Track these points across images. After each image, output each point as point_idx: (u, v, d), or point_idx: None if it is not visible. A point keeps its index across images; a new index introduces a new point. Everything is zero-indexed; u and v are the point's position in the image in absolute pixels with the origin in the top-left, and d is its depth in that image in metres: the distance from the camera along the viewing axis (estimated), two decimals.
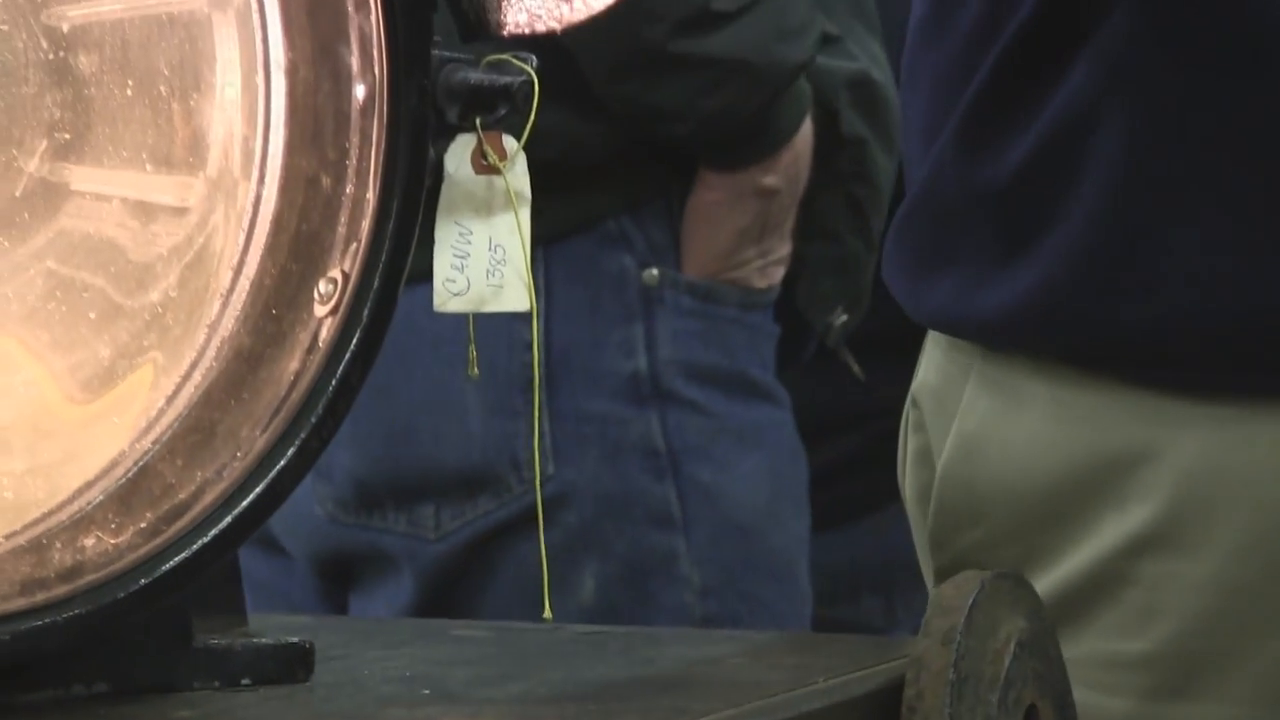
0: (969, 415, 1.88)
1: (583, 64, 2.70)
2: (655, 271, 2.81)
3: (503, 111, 1.34)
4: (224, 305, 1.31)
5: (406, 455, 2.82)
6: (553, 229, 2.72)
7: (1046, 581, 1.81)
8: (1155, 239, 1.83)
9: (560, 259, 2.82)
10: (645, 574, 2.88)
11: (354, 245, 1.31)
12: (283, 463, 1.30)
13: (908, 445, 1.93)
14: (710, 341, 3.02)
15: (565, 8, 1.35)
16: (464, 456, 2.82)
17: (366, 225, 1.31)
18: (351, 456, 2.80)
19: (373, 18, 1.31)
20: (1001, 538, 1.85)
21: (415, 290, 2.80)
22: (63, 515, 1.27)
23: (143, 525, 1.27)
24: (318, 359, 1.30)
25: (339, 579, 2.92)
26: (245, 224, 1.32)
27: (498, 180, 1.37)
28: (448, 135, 1.36)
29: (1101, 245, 1.85)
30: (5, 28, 1.29)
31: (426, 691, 1.33)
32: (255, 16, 1.32)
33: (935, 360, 1.91)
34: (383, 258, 1.32)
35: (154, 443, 1.29)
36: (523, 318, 1.49)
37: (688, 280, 2.83)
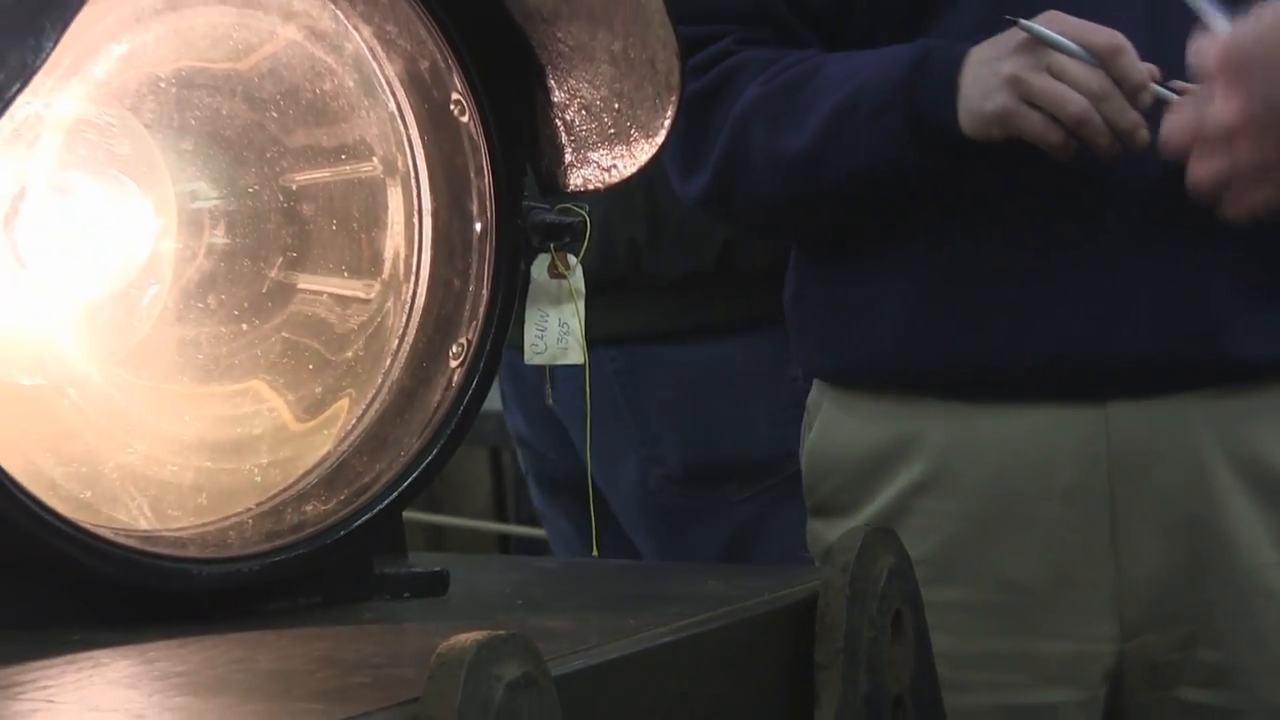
0: (825, 416, 2.29)
1: None
2: None
3: (567, 240, 1.57)
4: (393, 360, 1.56)
5: (720, 449, 2.92)
6: None
7: (866, 513, 2.18)
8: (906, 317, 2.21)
9: None
10: None
11: (474, 323, 1.55)
12: (429, 459, 1.54)
13: (805, 435, 2.34)
14: None
15: (606, 175, 1.56)
16: (756, 450, 2.92)
17: (482, 311, 1.55)
18: (681, 450, 2.90)
19: (486, 180, 1.55)
20: (842, 487, 2.23)
21: (725, 343, 3.08)
22: (292, 491, 1.53)
23: (342, 497, 1.52)
24: (451, 394, 1.55)
25: (658, 532, 2.99)
26: (406, 310, 1.57)
27: (564, 283, 1.63)
28: (533, 254, 1.60)
29: (886, 329, 2.23)
30: (257, 187, 1.56)
31: (519, 601, 1.58)
32: (412, 180, 1.58)
33: (813, 386, 2.33)
34: (491, 332, 1.56)
35: (349, 446, 1.55)
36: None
37: None
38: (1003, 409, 2.17)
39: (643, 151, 1.55)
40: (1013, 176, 2.17)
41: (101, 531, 1.40)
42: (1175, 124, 1.91)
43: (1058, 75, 2.04)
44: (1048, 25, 2.04)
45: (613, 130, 1.56)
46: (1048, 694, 2.15)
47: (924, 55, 2.13)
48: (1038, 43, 2.05)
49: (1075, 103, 2.03)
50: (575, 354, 1.72)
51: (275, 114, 1.58)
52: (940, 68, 2.10)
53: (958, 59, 2.09)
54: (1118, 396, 2.15)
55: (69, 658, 1.29)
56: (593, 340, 2.31)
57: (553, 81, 1.57)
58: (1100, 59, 2.05)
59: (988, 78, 2.05)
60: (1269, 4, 1.87)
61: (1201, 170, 1.88)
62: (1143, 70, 2.06)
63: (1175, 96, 2.07)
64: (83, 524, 1.39)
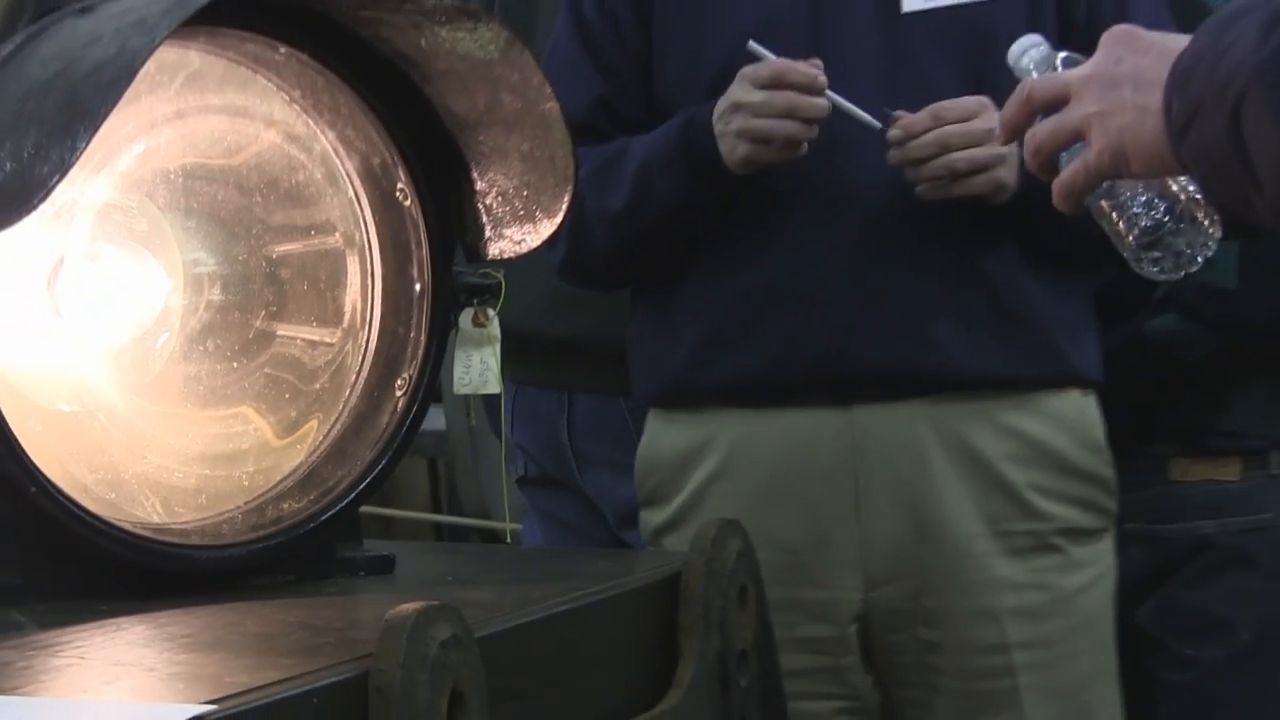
0: (649, 428, 2.53)
1: None
2: None
3: (486, 297, 1.73)
4: (351, 390, 1.69)
5: None
6: None
7: (677, 501, 2.46)
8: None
9: None
10: None
11: (414, 362, 1.68)
12: (380, 467, 1.66)
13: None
14: None
15: (518, 247, 1.70)
16: None
17: (421, 353, 1.68)
18: None
19: (424, 251, 1.68)
20: (660, 482, 2.48)
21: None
22: (272, 493, 1.64)
23: (311, 497, 1.64)
24: (397, 417, 1.68)
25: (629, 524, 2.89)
26: (361, 352, 1.70)
27: (484, 331, 1.77)
28: (460, 308, 1.74)
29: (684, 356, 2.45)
30: (245, 256, 1.68)
31: (450, 578, 1.71)
32: (367, 251, 1.70)
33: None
34: (429, 368, 1.69)
35: (317, 458, 1.67)
36: None
37: None
38: (774, 413, 2.39)
39: (545, 229, 1.68)
40: (773, 230, 2.39)
41: (123, 525, 1.51)
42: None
43: (761, 112, 2.24)
44: (746, 82, 2.26)
45: (522, 212, 1.69)
46: (813, 630, 2.35)
47: (690, 119, 2.34)
48: (737, 103, 2.26)
49: (782, 128, 2.24)
50: (493, 385, 1.84)
51: (259, 199, 1.69)
52: (702, 126, 2.31)
53: (709, 117, 2.31)
54: (860, 402, 2.36)
55: (97, 624, 1.39)
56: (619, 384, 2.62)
57: (476, 174, 1.69)
58: (777, 79, 2.26)
59: (723, 132, 2.28)
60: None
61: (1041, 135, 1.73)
62: (811, 71, 2.26)
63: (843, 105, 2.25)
64: (109, 519, 1.50)
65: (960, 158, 2.27)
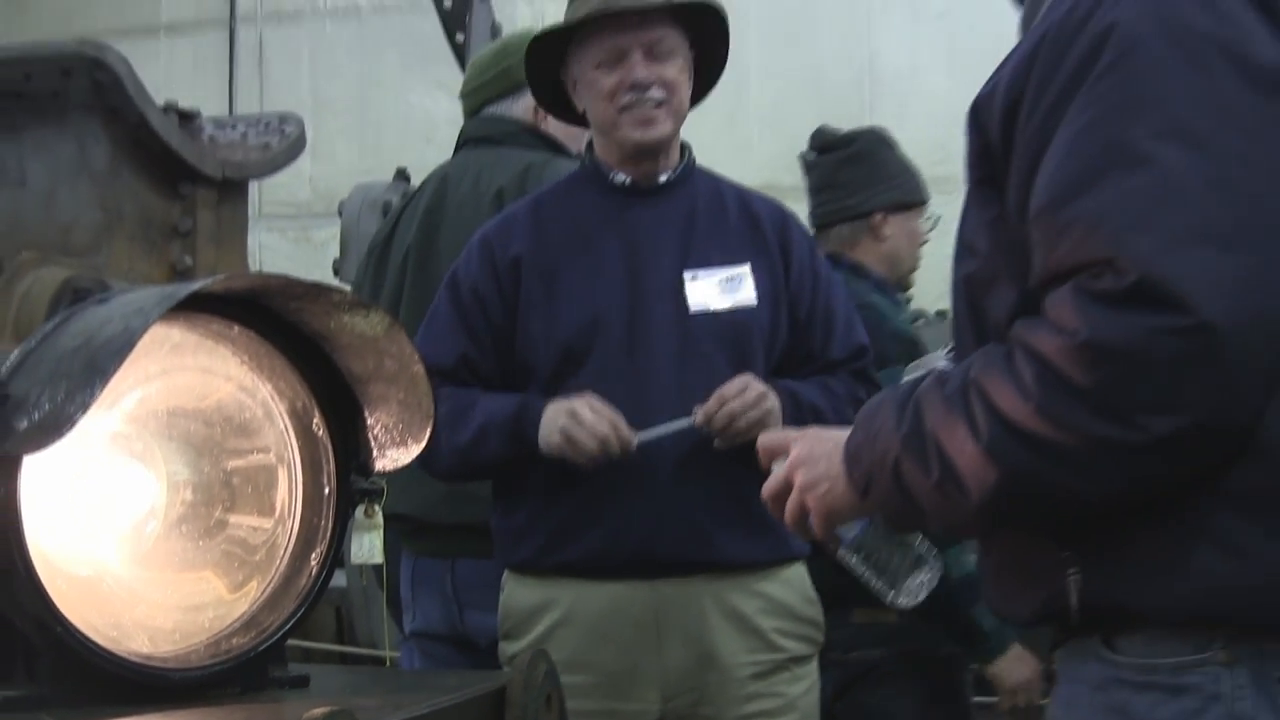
0: (507, 587, 2.73)
1: None
2: None
3: (374, 497, 1.81)
4: (281, 560, 1.78)
5: None
6: None
7: (528, 639, 2.71)
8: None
9: None
10: None
11: (325, 541, 1.79)
12: (300, 613, 1.77)
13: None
14: None
15: (394, 464, 1.80)
16: None
17: (329, 535, 1.79)
18: None
19: (331, 465, 1.79)
20: (515, 625, 2.79)
21: None
22: (226, 632, 1.74)
23: (253, 635, 1.74)
24: (312, 579, 1.78)
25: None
26: (288, 534, 1.79)
27: (372, 520, 1.85)
28: (356, 505, 1.82)
29: (535, 540, 2.73)
30: (209, 469, 1.77)
31: (349, 691, 1.81)
32: (293, 466, 1.79)
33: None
34: (335, 543, 1.80)
35: (257, 608, 1.76)
36: None
37: None
38: (601, 584, 2.65)
39: (415, 450, 1.80)
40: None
41: (122, 654, 1.61)
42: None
43: (584, 429, 2.48)
44: (587, 406, 2.46)
45: (398, 440, 1.80)
46: None
47: (525, 405, 2.59)
48: (574, 413, 2.44)
49: (590, 449, 2.56)
50: (378, 558, 1.94)
51: (219, 429, 1.78)
52: (532, 415, 2.56)
53: (539, 410, 2.56)
54: (662, 577, 2.63)
55: None
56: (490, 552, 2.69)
57: (367, 414, 1.79)
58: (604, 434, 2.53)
59: (550, 425, 2.52)
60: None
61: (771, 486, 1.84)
62: (627, 440, 2.55)
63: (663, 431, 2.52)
64: (112, 650, 1.60)
65: (742, 422, 2.56)
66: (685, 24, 2.73)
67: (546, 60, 2.78)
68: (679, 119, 2.74)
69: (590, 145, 2.85)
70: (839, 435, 1.73)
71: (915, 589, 1.83)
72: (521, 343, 2.69)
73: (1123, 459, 1.46)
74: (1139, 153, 1.47)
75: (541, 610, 2.72)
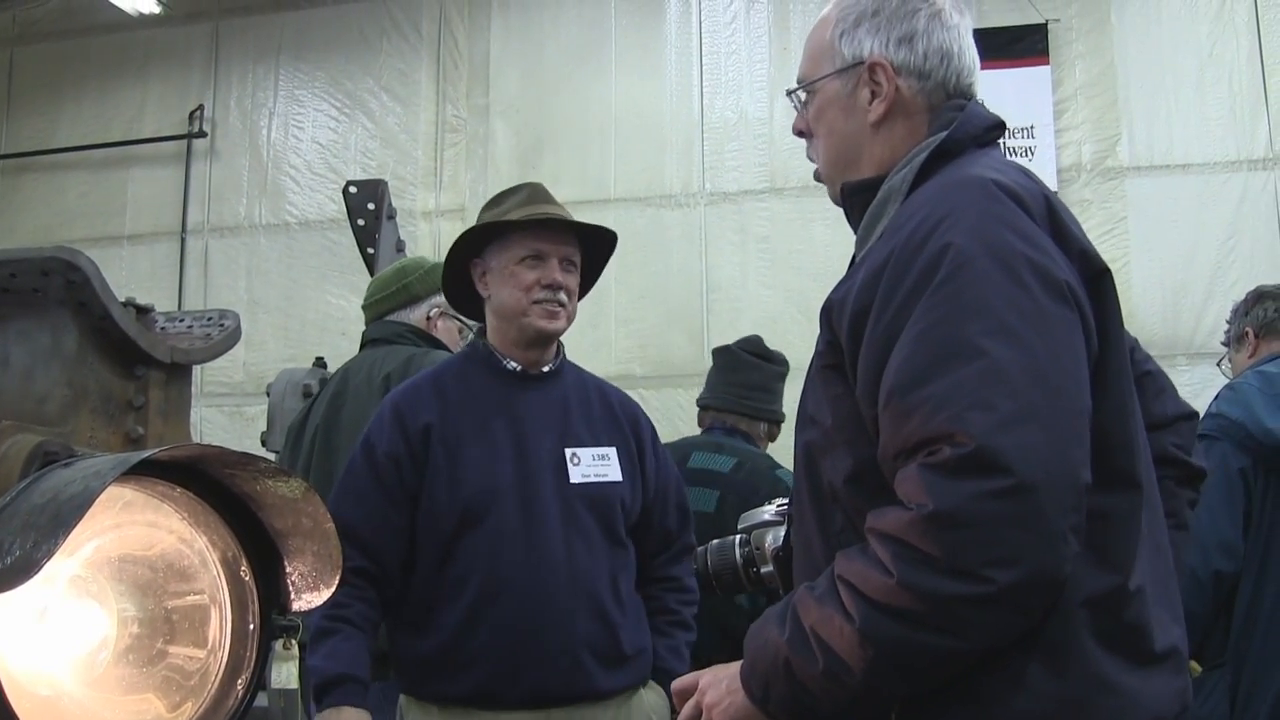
0: (410, 714, 2.73)
1: None
2: None
3: (291, 633, 1.83)
4: (213, 684, 1.71)
5: None
6: None
7: None
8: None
9: None
10: None
11: (249, 669, 1.72)
12: None
13: None
14: None
15: (309, 604, 1.70)
16: None
17: (253, 664, 1.72)
18: None
19: (256, 605, 1.73)
20: None
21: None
22: None
23: None
24: (239, 701, 1.71)
25: None
26: (219, 663, 1.72)
27: (290, 652, 1.89)
28: (276, 638, 1.85)
29: (441, 674, 2.53)
30: (152, 607, 1.68)
31: None
32: (224, 605, 1.70)
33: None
34: (258, 671, 1.72)
35: None
36: None
37: None
38: (498, 713, 2.59)
39: (325, 595, 1.73)
40: (502, 608, 2.60)
41: None
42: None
43: None
44: None
45: (312, 585, 1.74)
46: None
47: (333, 680, 2.44)
48: None
49: None
50: (294, 684, 1.95)
51: (162, 574, 1.71)
52: (325, 695, 2.40)
53: (333, 699, 2.43)
54: (552, 706, 2.61)
55: None
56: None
57: (286, 563, 1.73)
58: None
59: None
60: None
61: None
62: None
63: None
64: None
65: None
66: (584, 243, 2.82)
67: (462, 250, 2.83)
68: (571, 320, 2.81)
69: (482, 332, 2.85)
70: (737, 664, 1.72)
71: None
72: (427, 504, 2.66)
73: (978, 613, 1.46)
74: (974, 347, 1.49)
75: None
